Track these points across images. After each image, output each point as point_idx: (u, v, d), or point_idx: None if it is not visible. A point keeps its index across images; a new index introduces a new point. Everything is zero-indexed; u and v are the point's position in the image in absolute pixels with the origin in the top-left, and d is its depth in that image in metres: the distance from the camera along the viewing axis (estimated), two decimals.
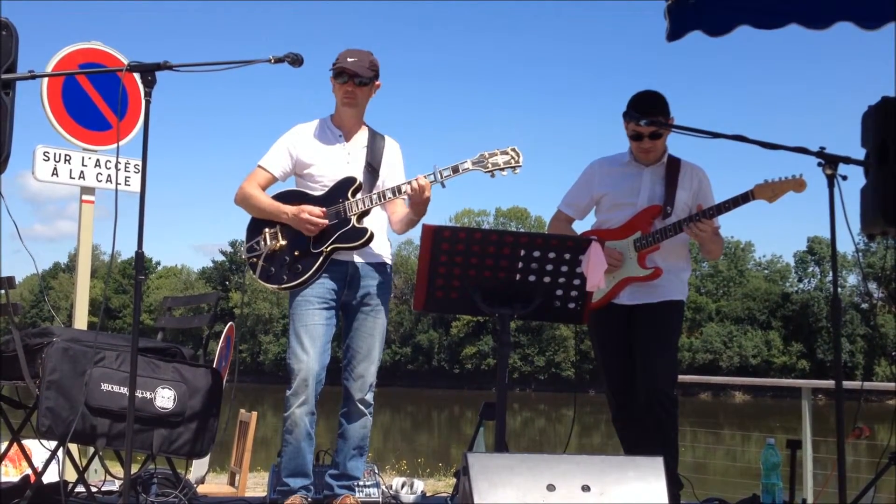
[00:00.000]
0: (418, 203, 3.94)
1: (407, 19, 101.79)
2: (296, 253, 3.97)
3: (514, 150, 3.90)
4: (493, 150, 3.90)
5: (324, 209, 3.95)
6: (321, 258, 3.95)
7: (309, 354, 3.89)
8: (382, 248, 4.11)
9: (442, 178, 3.89)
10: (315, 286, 3.96)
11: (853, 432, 4.36)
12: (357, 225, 3.96)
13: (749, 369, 61.07)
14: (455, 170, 3.90)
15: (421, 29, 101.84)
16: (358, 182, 4.00)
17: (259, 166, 4.10)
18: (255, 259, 4.02)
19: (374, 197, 3.97)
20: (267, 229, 4.02)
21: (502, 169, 3.88)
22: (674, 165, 4.28)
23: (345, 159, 4.08)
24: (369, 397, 4.05)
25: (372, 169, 4.09)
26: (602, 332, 4.34)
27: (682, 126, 3.76)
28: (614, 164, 4.38)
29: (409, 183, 3.89)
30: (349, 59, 3.99)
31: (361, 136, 4.15)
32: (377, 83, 4.10)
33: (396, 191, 3.95)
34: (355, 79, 4.00)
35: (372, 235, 3.96)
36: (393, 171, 4.18)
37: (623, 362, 4.25)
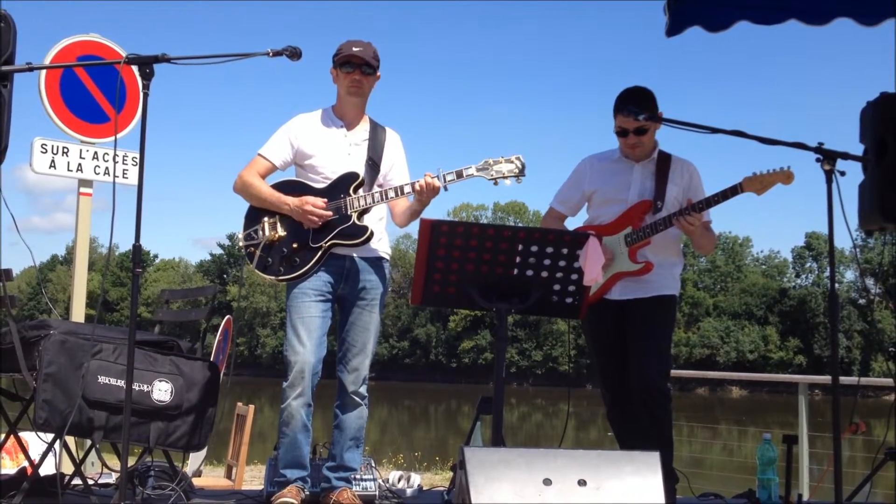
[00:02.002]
0: (424, 203, 3.95)
1: (407, 16, 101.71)
2: (294, 245, 3.96)
3: (518, 158, 3.89)
4: (497, 157, 3.89)
5: (325, 201, 3.94)
6: (320, 253, 3.94)
7: (305, 347, 3.89)
8: (380, 243, 4.11)
9: (445, 182, 3.89)
10: (312, 279, 3.96)
11: (849, 428, 4.37)
12: (358, 222, 3.96)
13: (746, 364, 61.11)
14: (459, 175, 3.89)
15: (421, 25, 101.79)
16: (360, 178, 4.00)
17: (259, 155, 4.09)
18: (252, 248, 4.01)
19: (377, 195, 3.97)
20: (266, 218, 4.01)
21: (506, 177, 3.88)
22: (664, 161, 4.30)
23: (346, 151, 4.07)
24: (363, 390, 4.06)
25: (373, 163, 4.08)
26: (595, 327, 4.36)
27: (682, 121, 3.77)
28: (605, 160, 4.40)
29: (417, 182, 3.89)
30: (355, 49, 3.98)
31: (363, 128, 4.15)
32: (377, 74, 4.10)
33: (399, 191, 3.95)
34: (363, 67, 4.01)
35: (372, 234, 3.96)
36: (394, 166, 4.17)
37: (616, 357, 4.27)
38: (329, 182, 4.02)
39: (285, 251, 3.97)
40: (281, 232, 3.98)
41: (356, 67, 4.00)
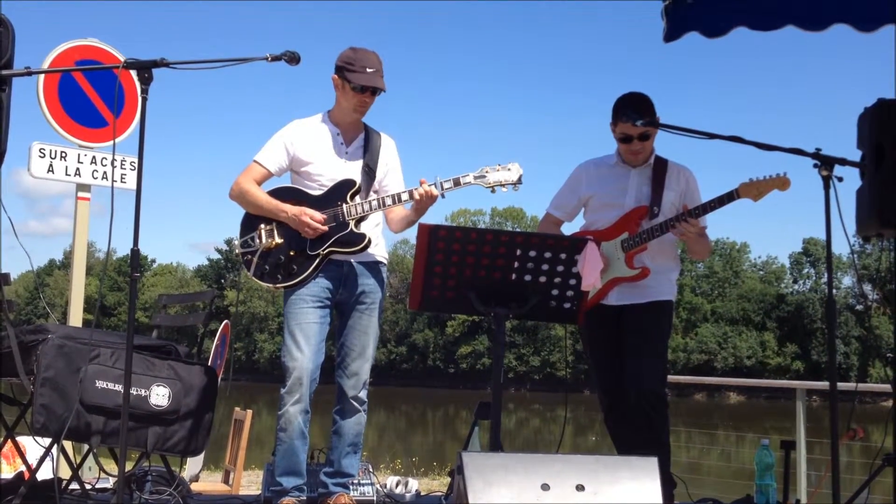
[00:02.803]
0: (421, 211, 3.94)
1: (405, 21, 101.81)
2: (291, 252, 3.96)
3: (515, 166, 3.90)
4: (495, 165, 3.90)
5: (324, 215, 3.94)
6: (317, 260, 3.94)
7: (303, 353, 3.89)
8: (377, 248, 4.11)
9: (443, 189, 3.89)
10: (310, 285, 3.95)
11: (847, 433, 4.37)
12: (355, 230, 3.96)
13: (744, 370, 61.15)
14: (456, 182, 3.90)
15: (418, 28, 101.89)
16: (357, 185, 4.00)
17: (255, 161, 4.08)
18: (249, 256, 4.01)
19: (374, 203, 3.97)
20: (262, 225, 4.01)
21: (503, 185, 3.89)
22: (661, 166, 4.30)
23: (342, 158, 4.07)
24: (363, 395, 4.05)
25: (369, 169, 4.08)
26: (592, 333, 4.36)
27: (679, 126, 3.77)
28: (601, 165, 4.40)
29: (415, 190, 3.89)
30: (369, 70, 3.93)
31: (359, 135, 4.14)
32: None
33: (397, 198, 3.95)
34: (377, 92, 4.00)
35: (369, 242, 3.96)
36: (389, 171, 4.18)
37: (613, 363, 4.26)
38: (325, 189, 4.01)
39: (282, 258, 3.96)
40: (278, 239, 3.97)
41: (367, 89, 3.98)
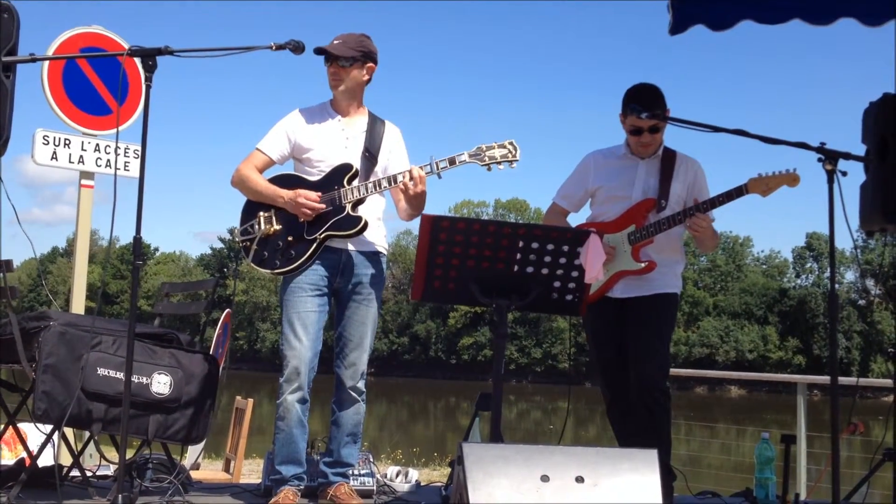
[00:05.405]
0: (412, 197, 3.91)
1: (407, 12, 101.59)
2: (289, 238, 3.97)
3: (511, 143, 3.89)
4: (490, 143, 3.89)
5: (319, 194, 3.94)
6: (314, 245, 3.94)
7: (301, 341, 3.89)
8: (376, 236, 4.11)
9: (438, 169, 3.89)
10: (308, 273, 3.96)
11: (848, 428, 4.38)
12: (351, 213, 3.95)
13: (745, 364, 61.06)
14: (452, 161, 3.89)
15: (422, 21, 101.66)
16: (354, 169, 4.00)
17: (257, 149, 4.10)
18: (248, 243, 4.02)
19: (370, 185, 3.96)
20: (261, 213, 4.02)
21: (499, 163, 3.87)
22: (669, 158, 4.28)
23: (342, 143, 4.07)
24: (361, 385, 4.06)
25: (370, 154, 4.08)
26: (595, 325, 4.35)
27: (684, 119, 3.76)
28: (610, 156, 4.38)
29: (405, 174, 3.88)
30: (333, 42, 3.99)
31: (361, 121, 4.14)
32: (369, 65, 4.08)
33: (392, 180, 3.95)
34: (338, 60, 4.00)
35: (366, 224, 3.96)
36: (393, 157, 4.16)
37: (616, 355, 4.26)
38: (324, 174, 4.02)
39: (281, 244, 3.97)
40: (276, 225, 3.98)
41: (332, 61, 4.01)
